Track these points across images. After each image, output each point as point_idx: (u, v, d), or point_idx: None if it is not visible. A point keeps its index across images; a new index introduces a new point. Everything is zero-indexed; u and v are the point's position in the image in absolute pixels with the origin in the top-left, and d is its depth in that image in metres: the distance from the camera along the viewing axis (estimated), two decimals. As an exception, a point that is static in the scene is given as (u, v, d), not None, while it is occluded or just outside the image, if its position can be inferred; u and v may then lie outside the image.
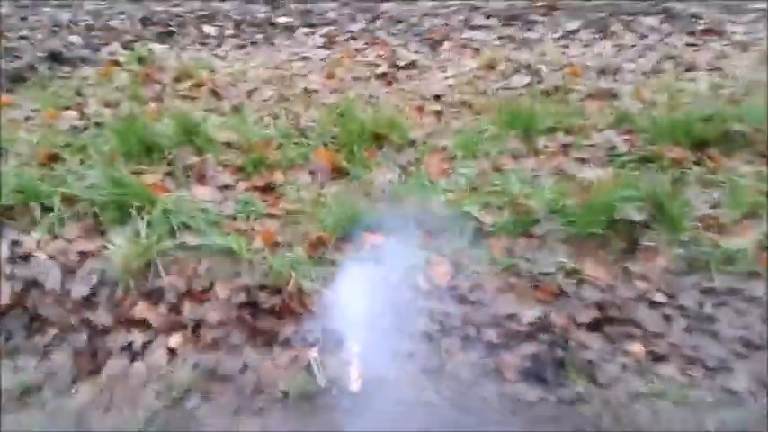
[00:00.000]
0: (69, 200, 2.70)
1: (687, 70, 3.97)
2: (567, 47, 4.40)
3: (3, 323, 2.30)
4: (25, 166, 2.91)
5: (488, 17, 4.80)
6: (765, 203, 2.75)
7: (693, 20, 4.86)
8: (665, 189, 2.74)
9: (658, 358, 2.24)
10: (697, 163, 3.00)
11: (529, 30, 4.66)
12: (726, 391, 2.15)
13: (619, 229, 2.59)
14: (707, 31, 4.66)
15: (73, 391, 2.13)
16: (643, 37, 4.56)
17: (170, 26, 4.54)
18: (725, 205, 2.75)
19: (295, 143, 3.08)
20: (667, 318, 2.37)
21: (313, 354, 2.17)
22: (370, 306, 2.31)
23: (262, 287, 2.37)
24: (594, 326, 2.33)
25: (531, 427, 2.04)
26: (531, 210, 2.64)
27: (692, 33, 4.63)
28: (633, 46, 4.34)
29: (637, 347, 2.27)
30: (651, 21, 4.83)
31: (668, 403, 2.12)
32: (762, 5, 5.09)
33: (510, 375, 2.18)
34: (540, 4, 4.96)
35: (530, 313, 2.33)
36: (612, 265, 2.52)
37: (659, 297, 2.42)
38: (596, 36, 4.58)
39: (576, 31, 4.64)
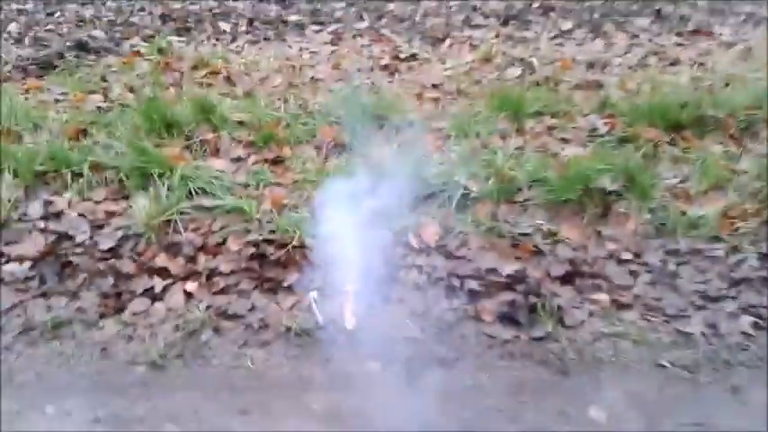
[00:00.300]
0: (97, 167, 2.99)
1: (671, 65, 4.24)
2: (561, 45, 4.66)
3: (37, 268, 2.58)
4: (56, 140, 3.20)
5: (487, 17, 5.08)
6: (730, 178, 3.02)
7: (682, 21, 5.11)
8: (638, 163, 3.01)
9: (622, 306, 2.50)
10: (671, 143, 3.26)
11: (525, 29, 4.92)
12: (681, 334, 2.41)
13: (593, 197, 2.86)
14: (695, 32, 4.91)
15: (99, 325, 2.41)
16: (633, 36, 4.81)
17: (187, 22, 4.84)
18: (693, 179, 3.01)
19: (302, 123, 3.36)
20: (633, 273, 2.63)
21: (313, 296, 2.44)
22: (365, 260, 2.57)
23: (269, 242, 2.65)
24: (566, 279, 2.59)
25: (504, 359, 2.30)
26: (513, 179, 2.91)
27: (680, 34, 4.88)
28: (623, 44, 4.60)
29: (603, 297, 2.53)
30: (642, 22, 5.08)
31: (628, 342, 2.37)
32: (748, 9, 5.34)
33: (488, 318, 2.44)
34: (537, 5, 5.24)
35: (508, 267, 2.59)
36: (586, 228, 2.78)
37: (627, 256, 2.68)
38: (589, 35, 4.83)
39: (570, 31, 4.90)
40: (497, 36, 4.72)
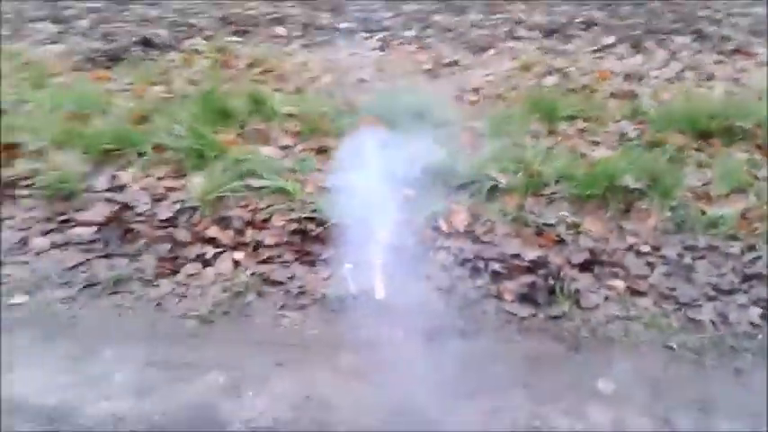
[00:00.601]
0: (158, 148, 3.27)
1: (707, 79, 4.38)
2: (601, 58, 4.83)
3: (102, 233, 2.86)
4: (121, 124, 3.50)
5: (531, 30, 5.27)
6: (752, 183, 3.15)
7: (723, 40, 5.23)
8: (663, 165, 3.17)
9: (637, 293, 2.66)
10: (698, 149, 3.41)
11: (567, 42, 5.10)
12: (691, 321, 2.56)
13: (617, 193, 3.02)
14: (735, 51, 5.03)
15: (155, 284, 2.66)
16: (673, 53, 4.95)
17: (245, 26, 5.14)
18: (715, 182, 3.15)
19: (347, 117, 3.60)
20: (650, 264, 2.78)
21: (348, 267, 2.65)
22: (398, 241, 2.78)
23: (310, 220, 2.88)
24: (585, 266, 2.76)
25: (521, 334, 2.48)
26: (541, 174, 3.09)
27: (720, 52, 5.00)
28: (662, 59, 4.75)
29: (619, 283, 2.69)
30: (683, 40, 5.22)
31: (639, 326, 2.53)
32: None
33: (508, 297, 2.62)
34: (580, 20, 5.41)
35: (531, 253, 2.78)
36: (608, 221, 2.95)
37: (645, 248, 2.84)
38: (630, 50, 4.99)
39: (611, 45, 5.06)
40: (539, 48, 4.91)
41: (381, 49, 4.88)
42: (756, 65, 4.72)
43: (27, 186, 3.09)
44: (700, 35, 5.31)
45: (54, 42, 4.85)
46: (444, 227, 2.90)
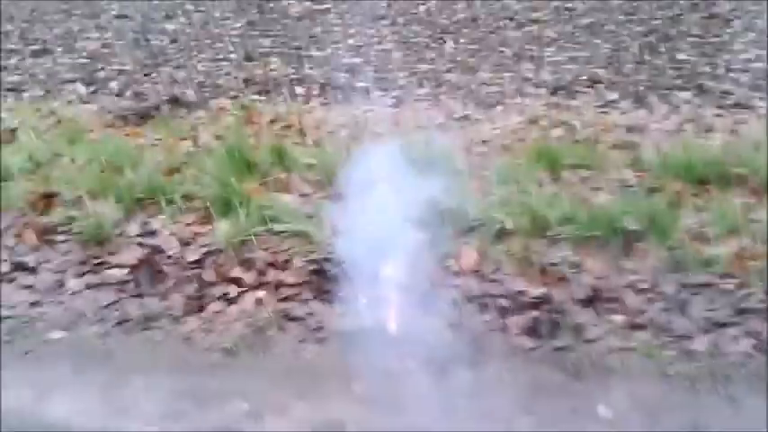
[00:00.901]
0: (187, 197, 3.51)
1: (706, 131, 4.58)
2: (605, 113, 5.06)
3: (134, 274, 3.07)
4: (152, 175, 3.75)
5: (538, 87, 5.53)
6: (746, 225, 3.32)
7: (724, 95, 5.44)
8: (662, 209, 3.35)
9: (636, 327, 2.82)
10: (695, 195, 3.60)
11: (573, 98, 5.34)
12: (687, 352, 2.70)
13: (617, 235, 3.20)
14: (735, 105, 5.24)
15: (183, 321, 2.86)
16: (675, 108, 5.17)
17: (267, 85, 5.44)
18: (711, 224, 3.32)
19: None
20: (649, 300, 2.94)
21: (363, 302, 2.84)
22: (410, 279, 2.97)
23: (328, 260, 3.08)
24: (587, 302, 2.92)
25: (526, 364, 2.64)
26: (546, 218, 3.28)
27: (720, 107, 5.21)
28: (663, 113, 4.97)
29: (619, 318, 2.85)
30: (685, 95, 5.44)
31: (638, 356, 2.68)
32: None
33: (514, 330, 2.79)
34: (585, 77, 5.66)
35: (536, 290, 2.95)
36: (608, 261, 3.12)
37: (644, 286, 3.00)
38: (633, 105, 5.22)
39: (615, 101, 5.29)
40: (545, 104, 5.15)
41: (395, 105, 5.14)
42: (755, 117, 4.93)
43: (64, 232, 3.32)
44: (701, 90, 5.53)
45: (86, 102, 5.16)
46: (454, 266, 3.08)
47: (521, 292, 2.95)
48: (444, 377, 2.57)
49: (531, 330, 2.79)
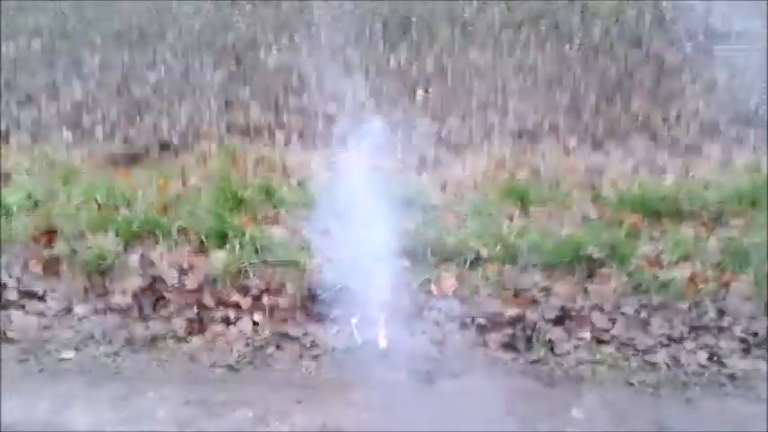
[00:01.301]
0: (183, 230, 3.73)
1: (660, 173, 4.97)
2: (566, 156, 5.43)
3: (137, 300, 3.28)
4: (147, 212, 3.97)
5: (503, 133, 5.90)
6: (697, 253, 3.67)
7: (675, 141, 5.86)
8: (620, 239, 3.69)
9: (601, 342, 3.12)
10: (650, 227, 3.94)
11: (537, 143, 5.72)
12: (648, 363, 3.00)
13: (582, 262, 3.52)
14: (686, 150, 5.66)
15: (187, 341, 3.07)
16: (631, 152, 5.58)
17: (248, 131, 5.72)
18: (666, 252, 3.66)
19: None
20: (612, 320, 3.25)
21: (354, 322, 3.09)
22: (396, 302, 3.24)
23: (318, 286, 3.33)
24: (557, 321, 3.21)
25: (504, 375, 2.91)
26: (516, 247, 3.59)
27: (673, 152, 5.62)
28: (619, 156, 5.37)
29: (586, 334, 3.15)
30: (640, 141, 5.85)
31: (604, 367, 2.98)
32: (736, 131, 6.08)
33: (492, 346, 3.06)
34: (547, 125, 6.06)
35: (510, 311, 3.24)
36: (575, 285, 3.42)
37: (608, 306, 3.31)
38: (592, 150, 5.61)
39: (575, 147, 5.68)
40: (511, 148, 5.51)
41: (371, 149, 5.45)
42: (705, 160, 5.35)
43: (68, 263, 3.52)
44: (654, 137, 5.95)
45: (74, 147, 5.36)
46: (435, 290, 3.36)
47: (497, 313, 3.23)
48: (431, 385, 2.82)
49: (508, 346, 3.07)
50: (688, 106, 6.58)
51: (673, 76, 7.26)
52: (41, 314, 3.23)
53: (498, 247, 3.60)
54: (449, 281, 3.41)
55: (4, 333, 3.11)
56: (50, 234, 3.73)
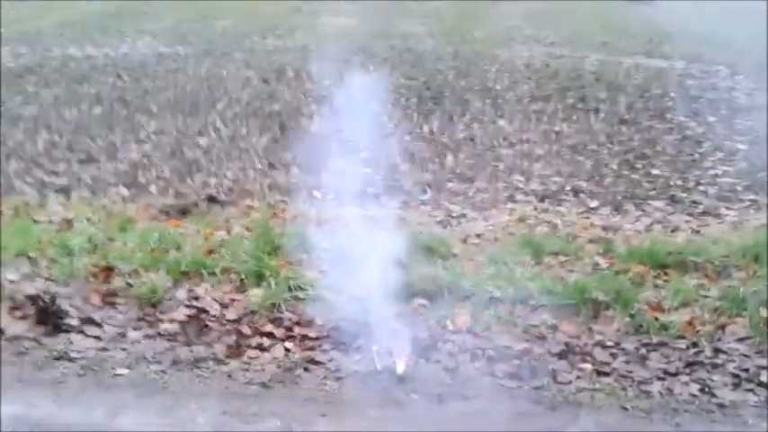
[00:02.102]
0: (225, 270, 4.15)
1: (672, 231, 5.28)
2: (586, 217, 5.76)
3: (183, 328, 3.67)
4: (194, 255, 4.41)
5: (527, 195, 6.27)
6: (698, 299, 3.95)
7: (693, 205, 6.16)
8: (626, 285, 3.99)
9: (602, 374, 3.40)
10: (656, 277, 4.24)
11: (558, 204, 6.07)
12: (644, 392, 3.27)
13: (588, 304, 3.82)
14: (703, 213, 5.95)
15: (226, 363, 3.44)
16: (648, 214, 5.89)
17: (288, 190, 6.19)
18: (668, 298, 3.95)
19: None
20: (613, 354, 3.53)
21: (374, 350, 3.43)
22: (414, 335, 3.58)
23: (344, 320, 3.69)
24: (562, 355, 3.51)
25: (510, 399, 3.21)
26: (528, 289, 3.92)
27: (690, 214, 5.92)
28: (636, 216, 5.68)
29: (588, 366, 3.43)
30: (658, 203, 6.16)
31: (602, 395, 3.25)
32: (752, 196, 6.35)
33: (500, 374, 3.37)
34: (569, 187, 6.42)
35: (519, 346, 3.55)
36: (580, 324, 3.73)
37: (609, 343, 3.60)
38: (611, 212, 5.93)
39: (595, 208, 6.01)
40: (534, 209, 5.88)
41: (402, 207, 5.87)
42: (718, 222, 5.64)
43: (123, 296, 3.95)
44: (672, 200, 6.25)
45: (132, 200, 5.89)
46: (450, 326, 3.69)
47: (506, 347, 3.54)
48: (443, 407, 3.13)
49: (514, 375, 3.36)
50: (708, 173, 6.92)
51: (694, 145, 7.62)
52: (98, 338, 3.62)
53: (511, 290, 3.93)
54: (463, 318, 3.74)
55: (66, 353, 3.50)
56: (108, 271, 4.18)
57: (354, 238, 4.72)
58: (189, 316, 3.76)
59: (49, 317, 3.70)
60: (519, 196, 6.27)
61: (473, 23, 15.34)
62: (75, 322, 3.73)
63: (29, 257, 4.33)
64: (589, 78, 10.46)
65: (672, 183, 6.67)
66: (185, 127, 7.89)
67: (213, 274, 4.14)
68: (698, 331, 3.67)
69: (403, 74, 10.35)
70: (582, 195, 6.33)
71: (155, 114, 8.38)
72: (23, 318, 3.74)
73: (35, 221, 5.07)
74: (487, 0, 19.07)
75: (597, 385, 3.31)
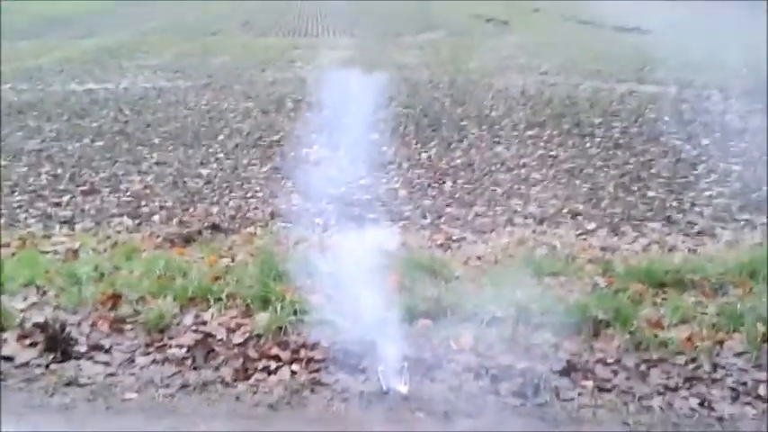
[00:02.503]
0: (231, 296, 4.22)
1: (669, 251, 5.36)
2: (584, 239, 5.85)
3: (191, 353, 3.73)
4: (201, 281, 4.48)
5: (526, 218, 6.36)
6: (696, 316, 4.01)
7: (689, 225, 6.25)
8: (625, 303, 4.06)
9: (603, 390, 3.45)
10: (654, 295, 4.31)
11: (556, 227, 6.15)
12: (645, 407, 3.33)
13: (588, 322, 3.89)
14: (699, 233, 6.04)
15: (234, 386, 3.49)
16: (645, 234, 5.97)
17: (290, 217, 6.28)
18: (667, 315, 4.02)
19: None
20: (614, 371, 3.59)
21: (380, 370, 3.48)
22: (418, 355, 3.64)
23: (350, 341, 3.75)
24: (564, 372, 3.57)
25: (514, 416, 3.26)
26: (530, 309, 3.98)
27: (686, 234, 6.01)
28: (633, 237, 5.77)
29: (589, 383, 3.49)
30: (654, 225, 6.25)
31: (604, 411, 3.31)
32: (747, 216, 6.45)
33: (504, 392, 3.42)
34: (566, 210, 6.50)
35: (521, 365, 3.60)
36: (582, 343, 3.79)
37: (610, 360, 3.66)
38: (609, 233, 6.01)
39: (593, 230, 6.09)
40: (533, 231, 5.96)
41: (402, 232, 5.95)
42: (714, 241, 5.73)
43: (131, 323, 4.01)
44: (669, 221, 6.34)
45: (134, 231, 5.96)
46: (454, 346, 3.75)
47: (509, 365, 3.60)
48: (447, 423, 3.19)
49: (518, 393, 3.42)
50: (703, 194, 7.02)
51: (689, 168, 7.73)
52: (107, 363, 3.68)
53: (512, 310, 3.99)
54: (466, 337, 3.80)
55: (75, 379, 3.55)
56: (115, 299, 4.24)
57: (357, 262, 4.80)
58: (196, 341, 3.82)
59: (58, 344, 3.75)
60: (518, 220, 6.36)
61: (467, 55, 15.57)
62: (83, 349, 3.78)
63: (37, 287, 4.40)
64: (583, 105, 10.61)
65: (668, 204, 6.77)
66: (187, 158, 8.01)
67: (219, 299, 4.20)
68: (696, 347, 3.73)
69: (401, 103, 10.50)
70: (580, 218, 6.43)
71: (156, 146, 8.50)
72: (33, 345, 3.80)
73: (42, 252, 5.15)
74: (481, 33, 19.42)
75: (599, 401, 3.37)
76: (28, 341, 3.83)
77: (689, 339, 3.79)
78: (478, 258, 5.07)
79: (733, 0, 21.50)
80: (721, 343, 3.77)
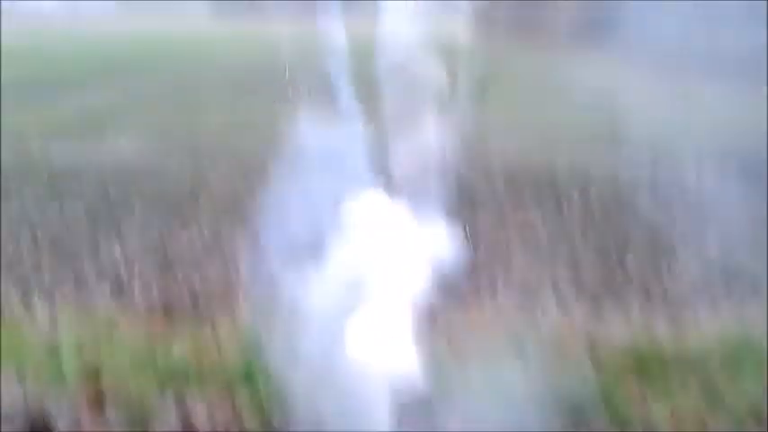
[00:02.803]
0: (213, 369, 4.19)
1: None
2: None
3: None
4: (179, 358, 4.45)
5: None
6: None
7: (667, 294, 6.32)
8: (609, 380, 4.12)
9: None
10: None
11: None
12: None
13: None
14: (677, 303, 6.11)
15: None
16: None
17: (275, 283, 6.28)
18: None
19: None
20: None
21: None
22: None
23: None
24: None
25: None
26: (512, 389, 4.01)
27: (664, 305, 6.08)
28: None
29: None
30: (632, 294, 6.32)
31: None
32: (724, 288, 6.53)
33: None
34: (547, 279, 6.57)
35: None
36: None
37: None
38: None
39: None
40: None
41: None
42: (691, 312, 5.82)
43: (111, 399, 3.97)
44: (647, 293, 6.43)
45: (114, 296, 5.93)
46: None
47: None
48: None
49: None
50: (678, 262, 7.12)
51: (663, 236, 7.85)
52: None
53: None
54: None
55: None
56: (96, 374, 4.20)
57: (343, 332, 4.80)
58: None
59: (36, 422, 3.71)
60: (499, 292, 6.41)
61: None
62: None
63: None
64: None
65: (644, 273, 6.87)
66: (167, 224, 8.00)
67: (200, 374, 4.17)
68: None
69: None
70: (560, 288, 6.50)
71: (137, 211, 8.49)
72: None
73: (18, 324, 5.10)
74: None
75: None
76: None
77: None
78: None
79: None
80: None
